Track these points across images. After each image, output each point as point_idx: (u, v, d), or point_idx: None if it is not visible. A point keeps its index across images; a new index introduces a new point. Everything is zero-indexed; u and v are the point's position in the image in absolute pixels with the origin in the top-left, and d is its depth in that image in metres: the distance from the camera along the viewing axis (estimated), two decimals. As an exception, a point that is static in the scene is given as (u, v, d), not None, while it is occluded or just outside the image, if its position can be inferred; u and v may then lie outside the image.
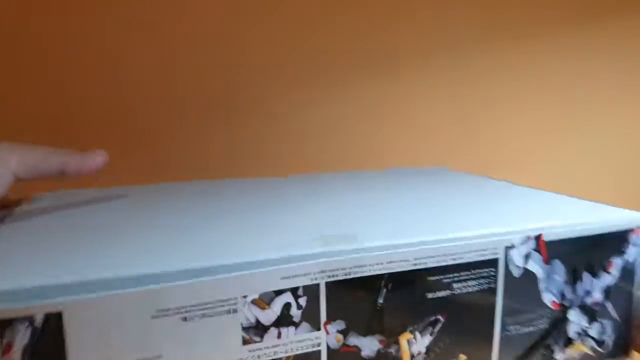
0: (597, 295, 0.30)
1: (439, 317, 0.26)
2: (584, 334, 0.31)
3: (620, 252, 0.30)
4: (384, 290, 0.25)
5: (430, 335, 0.26)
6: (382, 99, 0.67)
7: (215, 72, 0.65)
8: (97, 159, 0.33)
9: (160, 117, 0.65)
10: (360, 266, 0.24)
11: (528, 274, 0.28)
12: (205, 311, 0.22)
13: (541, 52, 0.62)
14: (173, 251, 0.23)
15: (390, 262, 0.25)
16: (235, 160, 0.67)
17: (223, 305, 0.22)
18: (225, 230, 0.27)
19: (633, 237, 0.31)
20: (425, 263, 0.26)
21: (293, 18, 0.66)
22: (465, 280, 0.27)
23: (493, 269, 0.27)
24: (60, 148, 0.34)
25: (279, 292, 0.23)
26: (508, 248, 0.27)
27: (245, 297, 0.22)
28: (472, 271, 0.27)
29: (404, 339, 0.26)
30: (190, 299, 0.21)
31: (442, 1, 0.63)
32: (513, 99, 0.64)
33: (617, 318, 0.31)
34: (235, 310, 0.22)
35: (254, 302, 0.23)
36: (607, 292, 0.31)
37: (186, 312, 0.21)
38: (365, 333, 0.25)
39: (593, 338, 0.31)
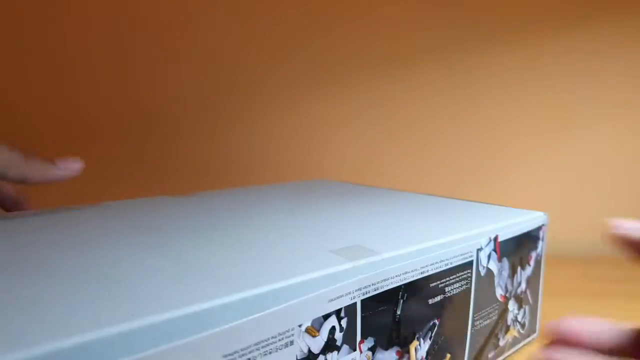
0: (524, 285, 0.36)
1: (436, 320, 0.28)
2: (515, 319, 0.35)
3: (535, 246, 0.36)
4: (401, 301, 0.25)
5: (430, 339, 0.27)
6: (381, 100, 0.66)
7: (212, 72, 0.65)
8: (67, 168, 0.27)
9: (157, 117, 0.65)
10: (385, 280, 0.24)
11: (488, 273, 0.31)
12: (267, 348, 0.19)
13: (541, 53, 0.63)
14: (205, 282, 0.20)
15: (405, 272, 0.25)
16: (234, 159, 0.66)
17: (282, 339, 0.19)
18: (239, 254, 0.24)
19: (541, 233, 0.37)
20: (428, 270, 0.27)
21: (292, 19, 0.64)
22: (453, 283, 0.29)
23: (469, 271, 0.30)
24: (32, 152, 0.29)
25: (326, 317, 0.21)
26: (478, 250, 0.30)
27: (300, 325, 0.20)
28: (457, 274, 0.29)
29: (412, 347, 0.26)
30: (253, 337, 0.18)
31: (441, 3, 0.63)
32: (513, 101, 0.65)
33: (532, 302, 0.37)
34: (292, 343, 0.20)
35: (307, 330, 0.20)
36: (527, 281, 0.36)
37: (250, 352, 0.18)
38: (387, 347, 0.25)
39: (519, 322, 0.36)
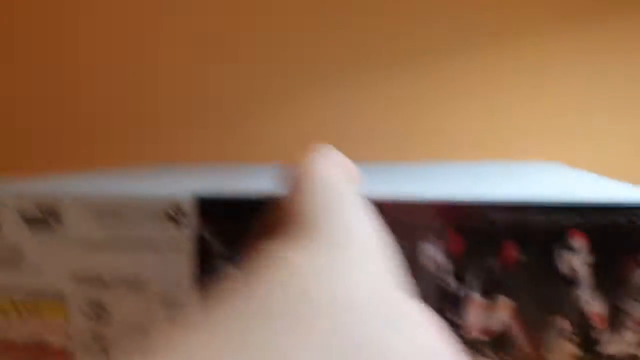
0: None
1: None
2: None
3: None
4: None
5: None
6: (382, 101, 0.65)
7: (218, 70, 0.65)
8: None
9: (163, 117, 0.65)
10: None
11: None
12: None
13: (543, 51, 0.63)
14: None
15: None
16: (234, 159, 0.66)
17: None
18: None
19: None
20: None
21: (295, 18, 0.64)
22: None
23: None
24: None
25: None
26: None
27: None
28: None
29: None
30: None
31: (444, 1, 0.62)
32: (518, 100, 0.64)
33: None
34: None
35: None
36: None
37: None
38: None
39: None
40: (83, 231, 0.23)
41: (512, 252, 0.20)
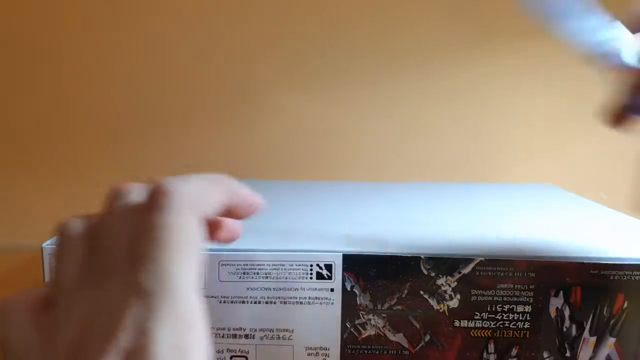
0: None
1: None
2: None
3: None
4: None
5: None
6: (388, 100, 0.64)
7: (215, 71, 0.64)
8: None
9: (161, 117, 0.64)
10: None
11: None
12: None
13: (543, 53, 0.62)
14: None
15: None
16: (236, 160, 0.66)
17: None
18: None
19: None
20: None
21: (293, 17, 0.62)
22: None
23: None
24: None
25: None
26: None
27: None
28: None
29: None
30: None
31: (440, 2, 0.62)
32: (517, 101, 0.64)
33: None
34: None
35: None
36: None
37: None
38: None
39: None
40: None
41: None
